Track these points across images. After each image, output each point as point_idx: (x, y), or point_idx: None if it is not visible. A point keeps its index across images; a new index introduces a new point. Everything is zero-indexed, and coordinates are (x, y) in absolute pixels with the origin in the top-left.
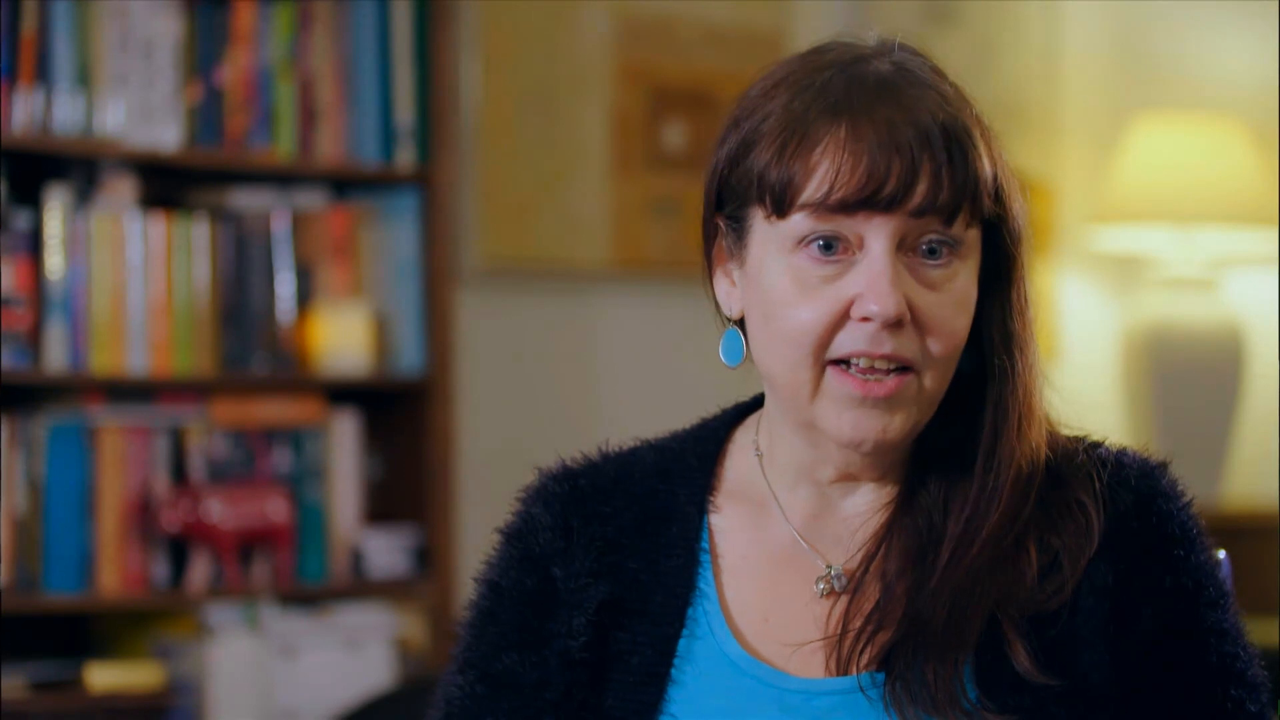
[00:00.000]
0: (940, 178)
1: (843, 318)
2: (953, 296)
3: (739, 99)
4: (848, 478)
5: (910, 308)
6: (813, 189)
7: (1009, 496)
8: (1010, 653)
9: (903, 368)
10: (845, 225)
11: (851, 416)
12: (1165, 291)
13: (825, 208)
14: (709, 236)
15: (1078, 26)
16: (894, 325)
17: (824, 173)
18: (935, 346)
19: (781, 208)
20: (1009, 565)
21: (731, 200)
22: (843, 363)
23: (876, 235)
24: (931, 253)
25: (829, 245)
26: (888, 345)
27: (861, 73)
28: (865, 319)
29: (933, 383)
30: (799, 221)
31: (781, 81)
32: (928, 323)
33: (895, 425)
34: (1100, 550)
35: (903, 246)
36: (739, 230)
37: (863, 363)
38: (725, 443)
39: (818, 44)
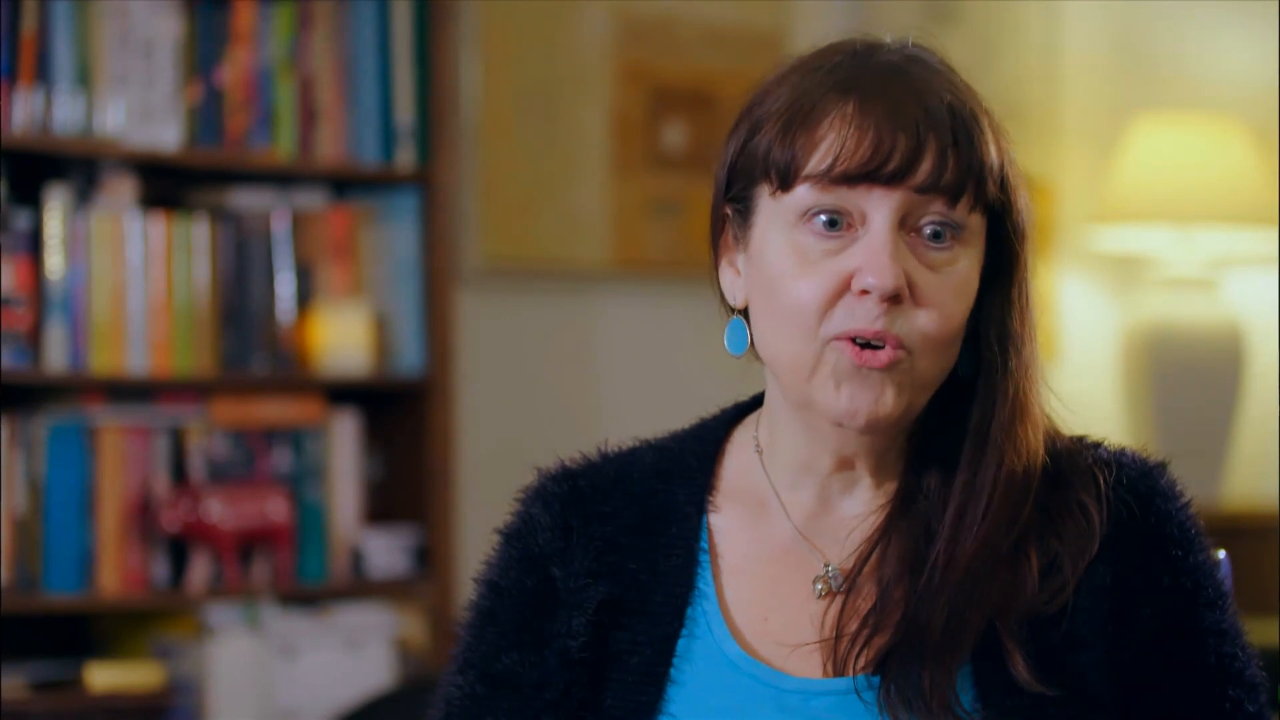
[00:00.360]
0: (945, 157)
1: (842, 291)
2: (953, 280)
3: (751, 93)
4: (845, 466)
5: (909, 285)
6: (817, 160)
7: (1002, 497)
8: (1009, 662)
9: (897, 346)
10: (848, 199)
11: (848, 389)
12: (1165, 291)
13: (829, 179)
14: (717, 228)
15: (1078, 26)
16: (892, 300)
17: (829, 145)
18: (931, 326)
19: (786, 180)
20: (1008, 572)
21: (739, 181)
22: (838, 339)
23: (879, 209)
24: (936, 236)
25: (833, 222)
26: (881, 323)
27: (872, 58)
28: (864, 292)
29: (926, 365)
30: (803, 194)
31: (793, 70)
32: (925, 301)
33: (889, 400)
34: (1099, 551)
35: (905, 225)
36: (745, 211)
37: (858, 342)
38: (724, 442)
39: (832, 42)
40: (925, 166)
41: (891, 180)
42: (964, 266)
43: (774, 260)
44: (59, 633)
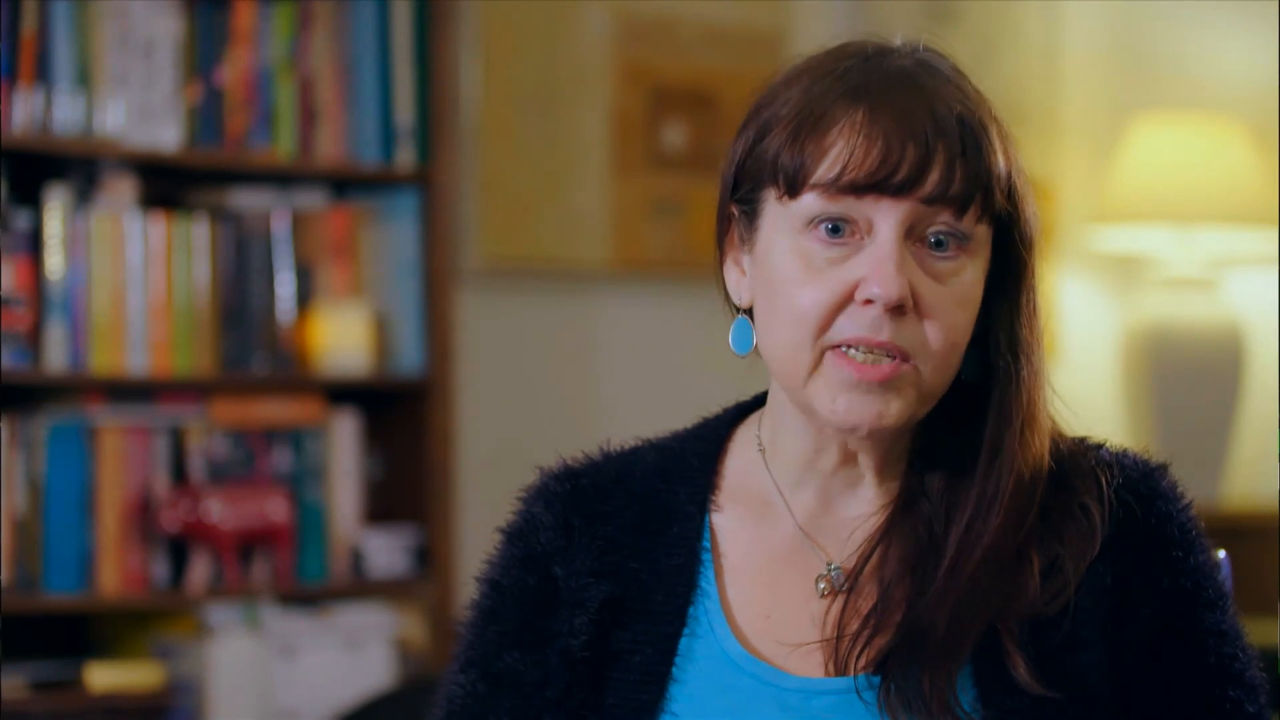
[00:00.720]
0: (954, 167)
1: (846, 300)
2: (957, 290)
3: (760, 92)
4: (849, 462)
5: (914, 296)
6: (825, 169)
7: (1010, 504)
8: (1009, 664)
9: (901, 358)
10: (855, 208)
11: (847, 400)
12: (1165, 291)
13: (836, 188)
14: (722, 226)
15: (1078, 26)
16: (895, 310)
17: (837, 153)
18: (935, 337)
19: (794, 187)
20: (1011, 576)
21: (746, 183)
22: (841, 347)
23: (885, 219)
24: (940, 245)
25: (838, 229)
26: (885, 333)
27: (883, 64)
28: (868, 301)
29: (930, 375)
30: (810, 202)
31: (803, 72)
32: (929, 311)
33: (892, 411)
34: (1100, 551)
35: (911, 235)
36: (751, 213)
37: (860, 351)
38: (726, 442)
39: (842, 42)
40: (933, 177)
41: (899, 191)
42: (969, 276)
43: (779, 265)
44: (59, 633)
